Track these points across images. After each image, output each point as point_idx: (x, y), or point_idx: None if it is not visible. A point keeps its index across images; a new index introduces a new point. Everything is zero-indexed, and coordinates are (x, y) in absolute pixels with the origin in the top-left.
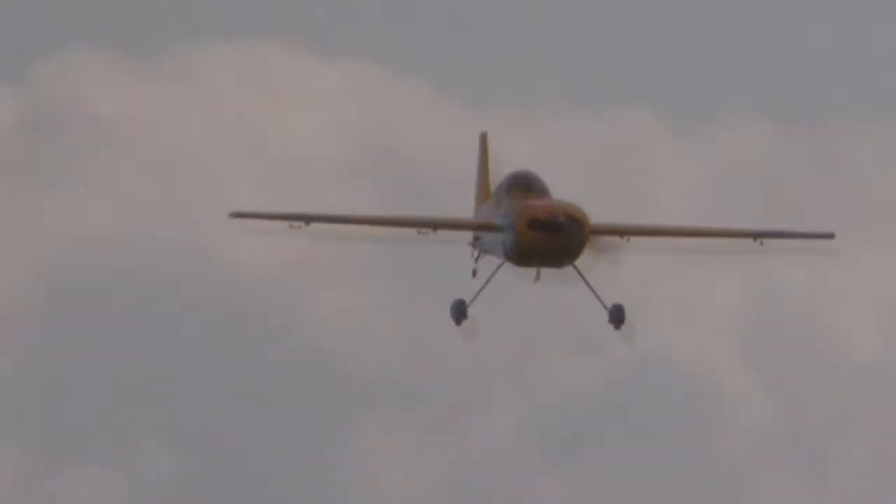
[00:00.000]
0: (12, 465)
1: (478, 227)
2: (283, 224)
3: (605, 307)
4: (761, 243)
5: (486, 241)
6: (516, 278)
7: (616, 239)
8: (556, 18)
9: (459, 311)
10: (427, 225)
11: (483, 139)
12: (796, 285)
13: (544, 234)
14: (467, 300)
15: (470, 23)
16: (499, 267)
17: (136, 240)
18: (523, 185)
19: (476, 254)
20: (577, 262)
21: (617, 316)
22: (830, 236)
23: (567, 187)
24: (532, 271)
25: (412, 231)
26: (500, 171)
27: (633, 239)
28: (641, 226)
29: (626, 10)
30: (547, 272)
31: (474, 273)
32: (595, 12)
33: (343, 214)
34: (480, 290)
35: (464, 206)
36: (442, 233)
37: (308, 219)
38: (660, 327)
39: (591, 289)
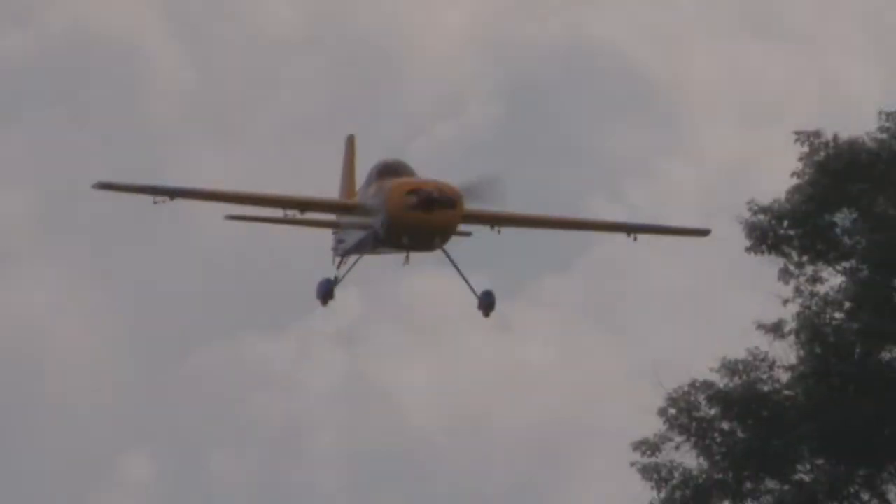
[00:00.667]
0: None
1: (346, 209)
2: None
3: (475, 293)
4: (635, 238)
5: (349, 238)
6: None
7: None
8: None
9: (326, 291)
10: (295, 205)
11: (350, 142)
12: None
13: (418, 210)
14: (334, 280)
15: None
16: (364, 252)
17: None
18: (393, 171)
19: (338, 261)
20: (447, 245)
21: (487, 302)
22: (705, 232)
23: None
24: (401, 256)
25: (279, 213)
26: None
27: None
28: (513, 214)
29: None
30: (416, 257)
31: (335, 282)
32: None
33: (210, 189)
34: (348, 270)
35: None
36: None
37: (173, 193)
38: None
39: (462, 274)
